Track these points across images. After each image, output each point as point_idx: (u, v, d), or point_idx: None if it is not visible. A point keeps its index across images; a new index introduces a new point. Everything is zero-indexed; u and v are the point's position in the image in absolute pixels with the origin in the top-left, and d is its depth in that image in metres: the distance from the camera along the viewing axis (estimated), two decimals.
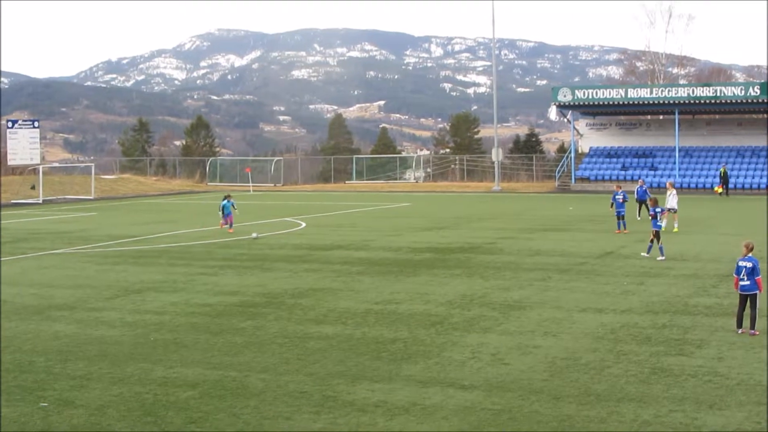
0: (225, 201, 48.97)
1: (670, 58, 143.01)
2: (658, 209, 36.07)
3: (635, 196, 52.50)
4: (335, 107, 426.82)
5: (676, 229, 45.67)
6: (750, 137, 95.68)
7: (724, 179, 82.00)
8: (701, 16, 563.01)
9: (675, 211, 46.50)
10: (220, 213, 49.20)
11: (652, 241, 35.47)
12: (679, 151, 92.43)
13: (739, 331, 20.93)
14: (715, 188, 79.38)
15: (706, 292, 27.10)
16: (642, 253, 35.75)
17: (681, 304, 25.03)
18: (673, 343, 20.14)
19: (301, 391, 16.64)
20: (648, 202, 41.92)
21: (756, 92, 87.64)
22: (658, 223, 35.79)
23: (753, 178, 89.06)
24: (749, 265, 21.09)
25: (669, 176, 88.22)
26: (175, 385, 17.11)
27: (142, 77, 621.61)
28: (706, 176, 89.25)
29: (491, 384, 16.94)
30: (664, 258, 34.43)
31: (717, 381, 17.05)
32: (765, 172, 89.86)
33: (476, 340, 20.56)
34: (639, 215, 51.59)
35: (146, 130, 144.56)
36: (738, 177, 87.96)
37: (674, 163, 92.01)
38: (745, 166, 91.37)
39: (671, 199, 46.59)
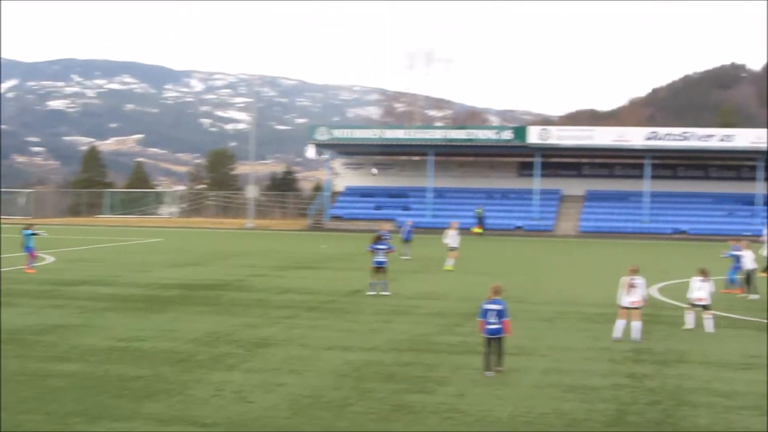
0: (28, 231, 44.91)
1: (428, 101, 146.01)
2: (382, 246, 36.42)
3: (401, 236, 53.35)
4: (91, 139, 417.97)
5: (450, 267, 46.53)
6: (501, 179, 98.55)
7: (480, 220, 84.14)
8: (460, 59, 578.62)
9: (454, 249, 47.43)
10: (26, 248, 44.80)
11: (376, 278, 35.96)
12: (433, 191, 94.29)
13: (487, 374, 21.04)
14: (473, 229, 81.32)
15: (451, 330, 27.51)
16: (368, 292, 36.13)
17: (426, 342, 25.32)
18: (416, 380, 20.31)
19: (37, 431, 16.02)
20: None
21: (509, 136, 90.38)
22: (379, 260, 36.08)
23: (503, 219, 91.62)
24: (498, 307, 21.13)
25: (422, 216, 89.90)
26: None
27: None
28: (458, 217, 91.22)
29: (233, 422, 16.66)
30: (389, 293, 35.24)
31: (457, 417, 17.25)
32: (515, 214, 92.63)
33: (221, 378, 20.25)
34: (406, 255, 52.35)
35: None
36: (490, 218, 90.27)
37: (427, 203, 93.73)
38: (495, 207, 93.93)
39: (452, 239, 47.54)
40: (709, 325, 28.23)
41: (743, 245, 38.01)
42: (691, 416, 17.60)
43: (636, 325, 25.66)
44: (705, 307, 28.37)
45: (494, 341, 21.20)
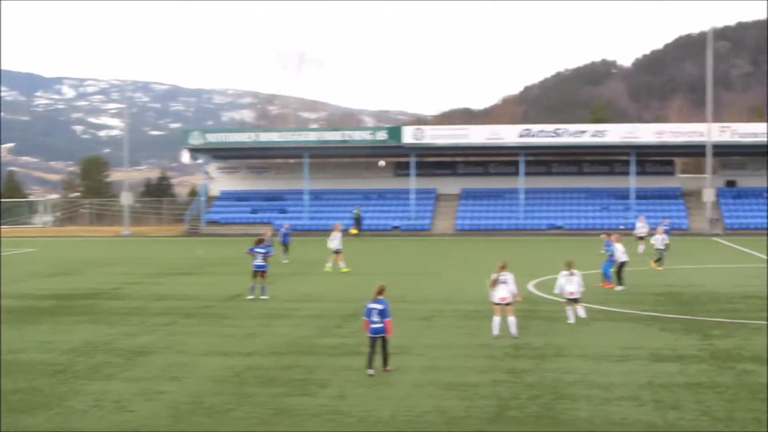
0: None
1: (302, 103, 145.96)
2: (261, 249, 36.20)
3: (279, 239, 53.18)
4: None
5: (345, 269, 46.52)
6: (377, 180, 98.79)
7: (357, 221, 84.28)
8: (332, 61, 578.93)
9: (339, 252, 47.35)
10: None
11: (255, 282, 35.84)
12: (309, 194, 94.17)
13: (368, 371, 21.10)
14: (350, 230, 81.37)
15: (330, 332, 27.47)
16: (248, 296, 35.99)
17: (306, 344, 25.25)
18: (296, 383, 20.23)
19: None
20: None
21: (383, 136, 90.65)
22: (257, 263, 35.93)
23: (380, 219, 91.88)
24: (380, 307, 21.29)
25: (299, 218, 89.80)
26: None
27: None
28: (335, 218, 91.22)
29: None
30: (267, 297, 35.18)
31: (339, 419, 17.22)
32: (392, 214, 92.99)
33: (100, 388, 19.92)
34: (283, 260, 52.08)
35: None
36: (368, 219, 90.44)
37: (304, 205, 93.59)
38: (372, 207, 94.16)
39: (335, 241, 47.48)
40: (581, 312, 28.90)
41: (614, 238, 38.60)
42: (571, 409, 17.81)
43: (511, 320, 25.88)
44: (575, 300, 28.85)
45: (378, 340, 21.33)
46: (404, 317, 30.03)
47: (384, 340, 21.38)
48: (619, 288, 37.39)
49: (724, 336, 26.12)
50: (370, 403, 18.42)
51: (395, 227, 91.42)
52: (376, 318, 21.26)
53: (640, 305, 32.90)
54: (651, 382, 20.08)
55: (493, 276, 26.13)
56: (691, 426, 16.62)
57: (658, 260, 46.85)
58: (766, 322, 28.60)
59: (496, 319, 25.94)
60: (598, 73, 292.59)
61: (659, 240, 47.46)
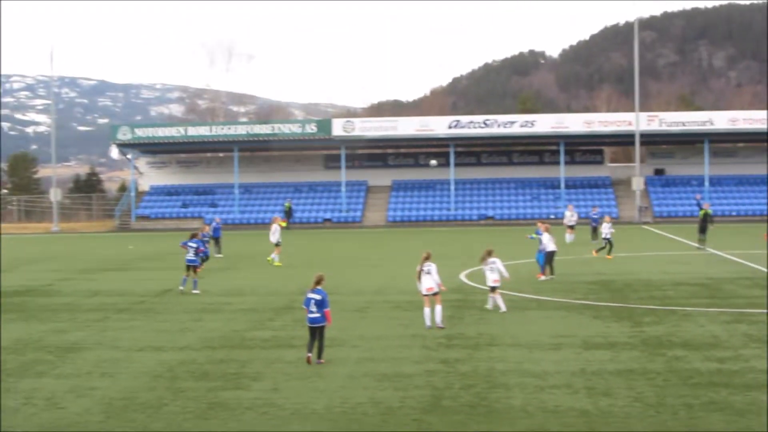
0: None
1: (231, 97, 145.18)
2: (193, 244, 36.07)
3: (210, 233, 52.85)
4: None
5: (278, 263, 46.37)
6: (307, 173, 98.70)
7: (288, 213, 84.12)
8: (261, 55, 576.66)
9: (278, 245, 47.22)
10: None
11: (187, 275, 35.71)
12: (239, 187, 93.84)
13: (309, 355, 21.32)
14: (279, 221, 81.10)
15: (263, 325, 27.39)
16: (181, 288, 35.83)
17: (238, 338, 25.16)
18: (230, 377, 20.15)
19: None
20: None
21: (313, 129, 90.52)
22: (189, 257, 35.84)
23: (311, 212, 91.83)
24: (318, 297, 21.45)
25: (230, 212, 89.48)
26: None
27: None
28: (266, 212, 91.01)
29: (46, 430, 16.26)
30: (198, 291, 35.13)
31: (273, 412, 17.18)
32: (323, 206, 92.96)
33: (31, 385, 19.70)
34: (215, 253, 51.74)
35: None
36: (299, 212, 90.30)
37: (234, 199, 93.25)
38: (303, 200, 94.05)
39: (276, 234, 47.35)
40: (499, 301, 29.31)
41: (543, 228, 38.82)
42: (505, 398, 17.90)
43: (437, 309, 25.93)
44: (493, 289, 29.11)
45: (316, 330, 21.46)
46: (338, 309, 29.98)
47: (321, 331, 21.51)
48: (544, 278, 37.58)
49: (654, 323, 26.39)
50: (304, 396, 18.39)
51: (326, 220, 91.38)
52: (314, 308, 21.43)
53: (572, 294, 33.16)
54: (583, 370, 20.24)
55: (418, 267, 26.22)
56: (623, 412, 16.78)
57: (603, 249, 47.29)
58: (696, 309, 28.97)
59: (427, 310, 26.00)
60: (527, 63, 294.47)
61: (606, 228, 47.91)
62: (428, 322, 25.88)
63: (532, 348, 22.90)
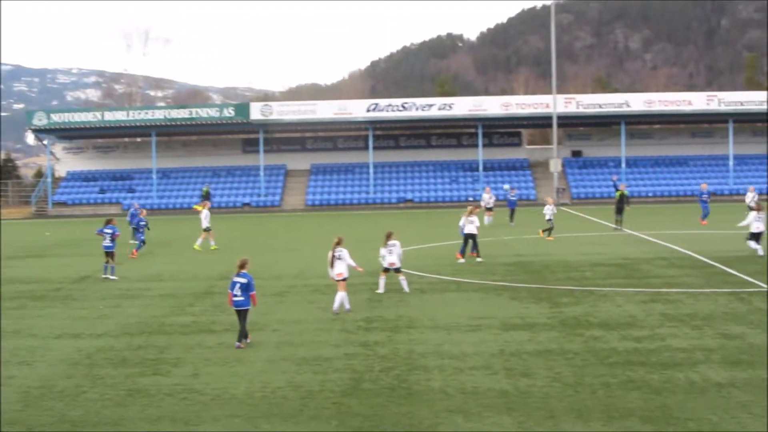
0: None
1: (148, 81, 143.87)
2: (108, 230, 35.90)
3: (128, 219, 52.31)
4: None
5: (198, 247, 46.14)
6: (226, 157, 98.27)
7: (206, 198, 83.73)
8: (178, 39, 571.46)
9: (208, 229, 46.96)
10: None
11: (107, 262, 35.51)
12: (157, 172, 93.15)
13: (245, 341, 21.65)
14: (195, 207, 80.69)
15: (182, 310, 27.26)
16: (108, 276, 35.60)
17: (157, 324, 25.01)
18: (149, 363, 20.04)
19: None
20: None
21: (231, 113, 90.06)
22: (105, 244, 35.68)
23: (230, 197, 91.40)
24: (243, 281, 21.63)
25: (148, 198, 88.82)
26: None
27: None
28: (184, 196, 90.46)
29: None
30: (116, 278, 35.02)
31: (193, 397, 17.13)
32: (241, 191, 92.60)
33: None
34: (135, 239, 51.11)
35: None
36: (217, 197, 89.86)
37: (152, 184, 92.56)
38: (222, 185, 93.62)
39: (204, 220, 47.12)
40: (404, 285, 29.51)
41: (467, 212, 38.96)
42: (424, 380, 17.99)
43: (340, 296, 25.91)
44: (397, 270, 29.22)
45: (242, 313, 21.72)
46: (257, 294, 29.96)
47: (244, 314, 21.75)
48: (461, 261, 37.77)
49: (572, 303, 26.67)
50: (224, 381, 18.36)
51: (245, 204, 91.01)
52: (238, 292, 21.64)
53: (491, 275, 33.37)
54: (502, 351, 20.41)
55: (329, 253, 26.24)
56: (542, 392, 16.94)
57: (547, 230, 47.59)
58: (614, 289, 29.32)
59: (342, 295, 26.00)
60: (445, 46, 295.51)
61: (549, 211, 48.23)
62: (347, 306, 25.86)
63: (451, 330, 23.03)
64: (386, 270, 29.40)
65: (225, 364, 19.87)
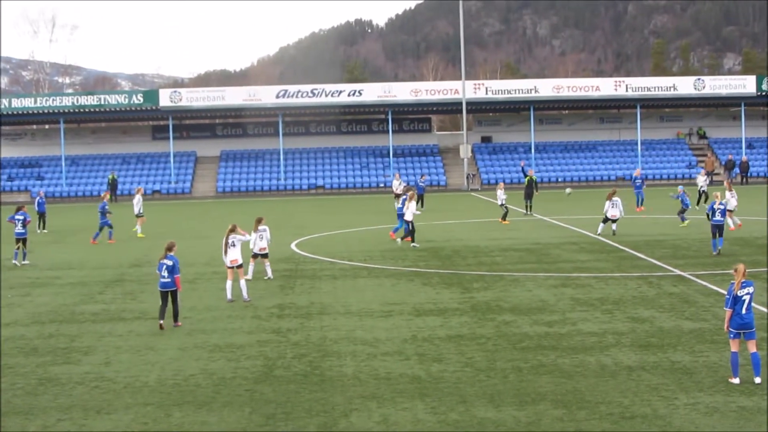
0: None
1: (55, 68, 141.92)
2: (20, 216, 35.76)
3: (36, 208, 51.46)
4: None
5: (140, 234, 45.82)
6: (135, 144, 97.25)
7: (112, 185, 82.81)
8: (86, 25, 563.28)
9: (141, 216, 46.67)
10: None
11: (18, 248, 35.43)
12: (66, 160, 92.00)
13: (162, 322, 22.04)
14: (102, 195, 79.88)
15: (93, 299, 27.05)
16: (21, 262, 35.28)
17: (68, 312, 24.80)
18: (60, 352, 19.89)
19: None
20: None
21: (139, 100, 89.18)
22: (17, 230, 35.50)
23: (140, 184, 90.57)
24: (169, 263, 22.15)
25: (57, 185, 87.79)
26: None
27: None
28: (93, 184, 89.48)
29: None
30: (29, 263, 35.09)
31: (104, 386, 17.05)
32: (151, 178, 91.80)
33: None
34: (40, 229, 50.16)
35: None
36: (127, 184, 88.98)
37: (61, 172, 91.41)
38: (131, 172, 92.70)
39: (137, 205, 46.87)
40: (269, 272, 29.76)
41: (410, 195, 39.28)
42: (337, 366, 18.08)
43: (242, 283, 25.86)
44: (264, 256, 29.22)
45: (168, 295, 22.22)
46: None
47: (174, 295, 22.22)
48: (411, 244, 37.94)
49: (483, 288, 26.92)
50: (135, 369, 18.29)
51: (155, 191, 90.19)
52: (165, 273, 22.16)
53: (402, 261, 33.52)
54: (414, 336, 20.56)
55: (223, 240, 26.20)
56: (455, 377, 17.11)
57: (503, 215, 47.57)
58: (524, 274, 29.64)
59: (229, 283, 25.95)
60: (354, 33, 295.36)
61: (500, 196, 48.35)
62: (229, 296, 25.77)
63: (363, 316, 23.15)
64: (255, 256, 29.35)
65: (136, 352, 19.78)
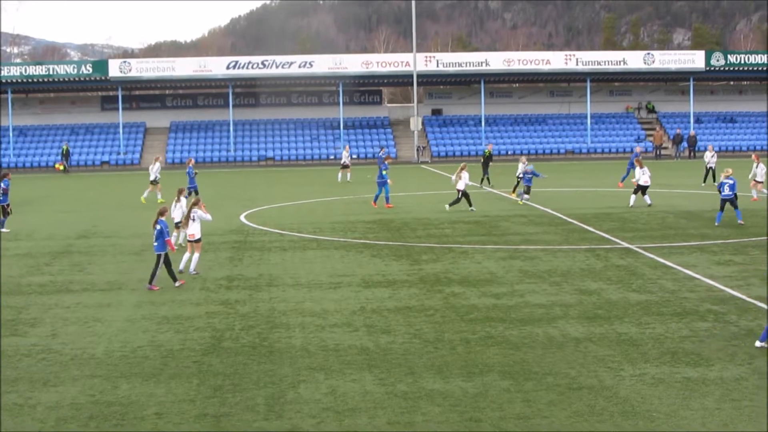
0: None
1: (3, 37, 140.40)
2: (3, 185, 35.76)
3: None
4: None
5: (160, 200, 45.76)
6: (84, 115, 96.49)
7: (66, 156, 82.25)
8: None
9: (156, 183, 48.20)
10: None
11: None
12: (14, 130, 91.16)
13: (150, 286, 23.26)
14: (56, 165, 79.29)
15: (39, 270, 26.83)
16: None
17: (14, 284, 24.58)
18: (6, 324, 19.71)
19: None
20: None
21: (89, 70, 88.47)
22: None
23: (89, 155, 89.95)
24: (158, 227, 23.35)
25: (3, 156, 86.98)
26: None
27: None
28: (41, 155, 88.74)
29: None
30: (8, 230, 35.25)
31: (51, 358, 16.95)
32: (100, 149, 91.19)
33: None
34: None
35: None
36: (75, 155, 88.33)
37: (9, 142, 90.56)
38: (80, 143, 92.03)
39: (154, 172, 48.16)
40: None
41: (459, 168, 40.07)
42: (286, 337, 18.08)
43: (195, 257, 25.71)
44: (197, 241, 27.33)
45: (159, 257, 23.47)
46: (116, 252, 29.83)
47: (158, 259, 23.40)
48: (470, 208, 39.72)
49: (432, 260, 26.97)
50: (83, 341, 18.19)
51: (104, 162, 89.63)
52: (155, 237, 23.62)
53: (351, 233, 33.53)
54: (363, 308, 20.59)
55: (185, 213, 26.11)
56: (403, 349, 17.16)
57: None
58: (473, 246, 29.73)
59: (187, 255, 25.81)
60: (306, 5, 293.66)
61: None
62: (182, 266, 25.54)
63: (312, 287, 23.15)
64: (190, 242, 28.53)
65: (84, 323, 19.67)
